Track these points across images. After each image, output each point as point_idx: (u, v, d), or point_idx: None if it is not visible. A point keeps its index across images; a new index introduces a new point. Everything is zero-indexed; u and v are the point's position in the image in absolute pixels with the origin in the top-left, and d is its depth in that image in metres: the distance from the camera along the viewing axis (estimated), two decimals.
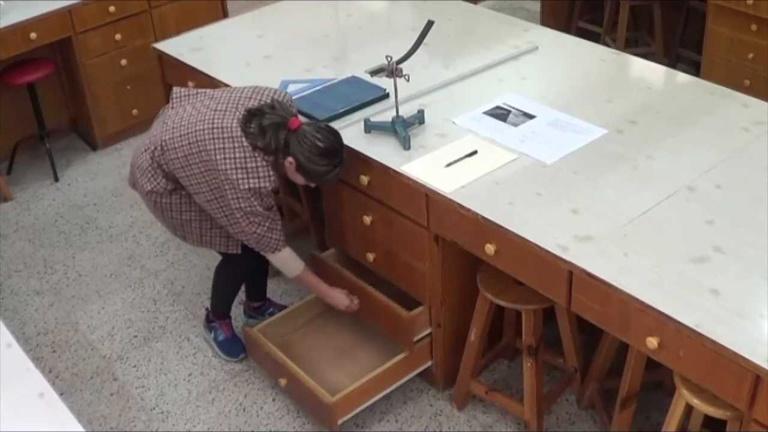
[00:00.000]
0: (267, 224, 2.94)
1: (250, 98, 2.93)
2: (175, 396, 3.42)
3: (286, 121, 2.84)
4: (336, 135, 2.89)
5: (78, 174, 4.92)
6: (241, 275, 3.48)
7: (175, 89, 3.14)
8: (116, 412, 3.37)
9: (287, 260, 3.09)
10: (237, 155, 2.82)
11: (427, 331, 3.16)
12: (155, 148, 2.96)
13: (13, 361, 2.11)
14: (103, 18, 4.71)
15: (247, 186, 2.82)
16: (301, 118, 2.91)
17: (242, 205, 2.85)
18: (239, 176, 2.82)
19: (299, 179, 2.95)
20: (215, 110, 2.90)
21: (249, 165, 2.82)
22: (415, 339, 3.13)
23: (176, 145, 2.90)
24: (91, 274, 4.11)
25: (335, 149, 2.87)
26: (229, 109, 2.89)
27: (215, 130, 2.85)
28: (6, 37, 4.36)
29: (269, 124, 2.83)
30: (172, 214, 3.08)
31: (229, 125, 2.85)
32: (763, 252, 2.35)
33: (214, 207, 2.93)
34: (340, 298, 3.21)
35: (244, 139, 2.83)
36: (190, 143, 2.88)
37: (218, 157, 2.83)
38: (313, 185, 3.04)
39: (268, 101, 2.92)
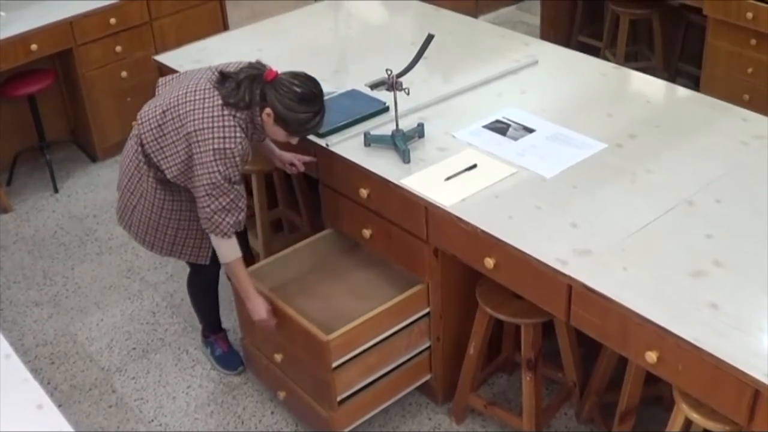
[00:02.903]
0: (224, 202, 2.81)
1: (228, 66, 2.91)
2: (173, 408, 3.41)
3: (262, 73, 2.80)
4: (314, 81, 2.84)
5: (78, 185, 4.92)
6: (212, 283, 3.41)
7: (160, 79, 3.15)
8: (114, 424, 3.36)
9: (225, 246, 2.91)
10: (206, 114, 2.79)
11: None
12: (138, 126, 2.97)
13: (11, 373, 2.11)
14: (104, 30, 4.72)
15: (211, 147, 2.76)
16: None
17: (203, 171, 2.78)
18: (206, 136, 2.77)
19: (279, 134, 2.85)
20: (190, 79, 2.92)
21: (216, 124, 2.77)
22: (335, 365, 2.88)
23: (150, 116, 2.92)
24: (90, 286, 4.11)
25: (314, 95, 2.81)
26: (204, 75, 2.90)
27: (188, 93, 2.85)
28: (7, 48, 4.37)
29: (245, 77, 2.79)
30: (151, 214, 3.03)
31: (203, 87, 2.85)
32: (762, 266, 2.35)
33: (185, 179, 2.88)
34: (260, 308, 2.97)
35: (216, 95, 2.80)
36: (164, 111, 2.88)
37: (189, 118, 2.80)
38: (294, 141, 2.92)
39: (245, 64, 2.90)
